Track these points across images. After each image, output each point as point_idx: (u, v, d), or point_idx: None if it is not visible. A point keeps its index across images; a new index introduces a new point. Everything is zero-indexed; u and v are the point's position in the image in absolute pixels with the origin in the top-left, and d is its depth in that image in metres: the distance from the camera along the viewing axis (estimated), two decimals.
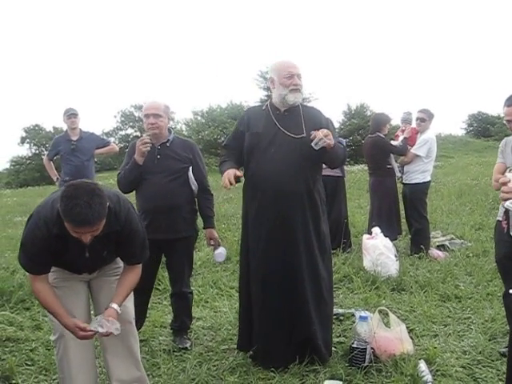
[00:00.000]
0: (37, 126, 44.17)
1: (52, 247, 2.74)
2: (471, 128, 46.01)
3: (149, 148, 3.99)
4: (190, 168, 4.18)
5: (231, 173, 3.66)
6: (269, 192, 3.70)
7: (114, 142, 9.32)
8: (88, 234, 2.60)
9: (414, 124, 7.36)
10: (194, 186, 4.22)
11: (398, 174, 7.20)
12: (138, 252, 3.04)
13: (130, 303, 3.17)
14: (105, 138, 8.95)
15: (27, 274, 2.97)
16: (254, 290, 3.83)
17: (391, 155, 7.19)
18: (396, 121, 12.49)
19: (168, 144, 4.17)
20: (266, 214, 3.74)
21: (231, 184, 3.64)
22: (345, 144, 4.12)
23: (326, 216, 3.99)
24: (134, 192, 4.26)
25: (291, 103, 3.79)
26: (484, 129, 42.68)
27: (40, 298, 2.89)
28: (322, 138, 3.51)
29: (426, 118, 7.05)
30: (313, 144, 3.55)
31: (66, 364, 3.02)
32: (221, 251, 4.44)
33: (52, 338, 3.12)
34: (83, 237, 2.60)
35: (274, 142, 3.72)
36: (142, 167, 4.05)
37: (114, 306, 2.90)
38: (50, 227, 2.69)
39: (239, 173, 3.70)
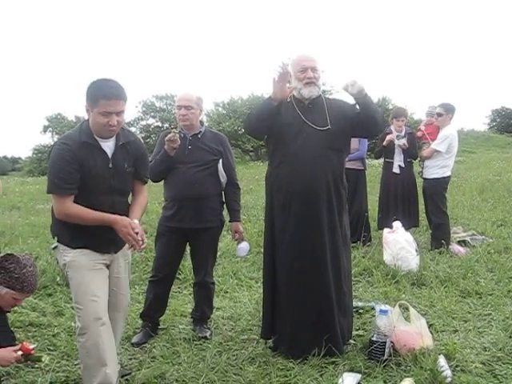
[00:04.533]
0: (59, 114, 44.45)
1: (79, 159, 3.02)
2: (494, 123, 45.49)
3: (178, 145, 4.02)
4: (221, 160, 4.21)
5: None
6: (297, 183, 3.72)
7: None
8: (115, 116, 2.99)
9: None
10: (223, 178, 4.25)
11: (396, 170, 7.27)
12: (148, 169, 3.47)
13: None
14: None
15: (55, 203, 3.10)
16: (280, 279, 3.85)
17: (395, 149, 7.26)
18: (418, 115, 12.42)
19: (199, 136, 4.21)
20: (294, 204, 3.76)
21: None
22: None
23: (347, 209, 4.01)
24: (163, 181, 4.30)
25: (306, 97, 3.81)
26: (507, 124, 42.19)
27: (73, 217, 3.06)
28: (352, 82, 3.62)
29: (442, 112, 6.98)
30: (349, 90, 3.65)
31: (98, 349, 3.06)
32: (243, 246, 4.47)
33: (78, 324, 3.11)
34: (110, 119, 2.98)
35: (301, 133, 3.74)
36: (173, 157, 4.09)
37: (135, 220, 3.15)
38: (79, 137, 3.07)
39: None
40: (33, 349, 3.02)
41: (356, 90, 3.64)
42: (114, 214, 3.09)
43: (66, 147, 3.03)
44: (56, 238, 3.29)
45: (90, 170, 3.07)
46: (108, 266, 3.29)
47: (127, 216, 3.18)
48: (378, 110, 3.89)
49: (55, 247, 3.30)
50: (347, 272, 3.96)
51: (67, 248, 3.18)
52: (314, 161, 3.70)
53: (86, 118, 3.17)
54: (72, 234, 3.15)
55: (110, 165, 3.14)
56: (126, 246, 3.27)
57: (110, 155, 3.14)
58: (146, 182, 3.47)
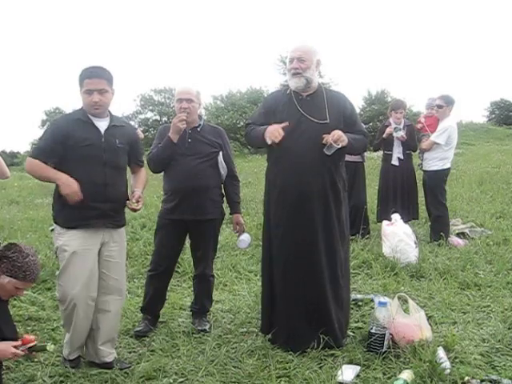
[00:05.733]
0: (57, 109, 44.38)
1: (63, 132, 3.43)
2: (493, 115, 45.41)
3: (185, 125, 4.04)
4: (221, 153, 4.22)
5: (277, 126, 3.63)
6: (291, 177, 3.71)
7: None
8: (96, 94, 3.39)
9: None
10: (224, 170, 4.26)
11: (395, 162, 7.25)
12: (143, 154, 3.88)
13: (125, 273, 3.79)
14: (131, 124, 8.95)
15: (30, 162, 3.49)
16: (276, 274, 3.86)
17: (394, 141, 7.25)
18: (418, 107, 12.42)
19: (199, 129, 4.22)
20: (287, 199, 3.75)
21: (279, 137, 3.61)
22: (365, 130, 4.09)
23: (347, 202, 3.99)
24: (163, 175, 4.31)
25: (293, 88, 3.80)
26: (506, 116, 42.12)
27: (34, 170, 3.47)
28: (330, 143, 3.57)
29: (443, 104, 6.98)
30: (324, 150, 3.61)
31: (70, 323, 3.52)
32: (244, 238, 4.47)
33: (57, 297, 3.64)
34: (93, 97, 3.38)
35: (298, 127, 3.71)
36: (175, 146, 4.09)
37: (138, 190, 3.66)
38: (72, 116, 3.55)
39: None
40: (35, 339, 3.04)
41: (331, 152, 3.63)
42: (106, 185, 3.46)
43: (54, 122, 3.65)
44: (53, 219, 3.60)
45: (81, 142, 3.42)
46: (99, 251, 3.55)
47: (124, 194, 3.62)
48: (362, 145, 3.96)
49: (53, 229, 3.60)
50: (344, 266, 3.93)
51: (61, 231, 3.49)
52: (310, 156, 3.67)
53: None
54: (65, 212, 3.47)
55: (103, 139, 3.49)
56: (121, 231, 3.67)
57: (102, 132, 3.50)
58: (142, 165, 3.88)
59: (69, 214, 3.45)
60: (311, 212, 3.73)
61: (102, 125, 3.51)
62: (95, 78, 3.40)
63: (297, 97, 3.82)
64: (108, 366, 3.59)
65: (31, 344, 2.99)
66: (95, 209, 3.44)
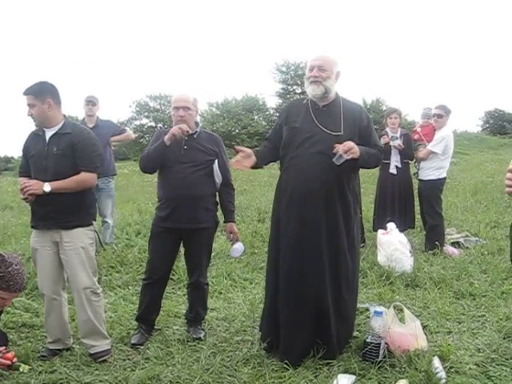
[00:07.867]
0: None
1: (25, 147, 3.90)
2: (487, 125, 45.60)
3: (180, 136, 4.03)
4: (216, 161, 4.21)
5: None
6: (298, 188, 3.69)
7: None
8: (28, 108, 3.72)
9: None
10: (219, 179, 4.26)
11: (393, 171, 7.24)
12: (91, 159, 3.81)
13: (84, 272, 3.83)
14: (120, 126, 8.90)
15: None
16: (281, 285, 3.79)
17: (391, 150, 7.23)
18: (412, 116, 12.45)
19: (195, 136, 4.21)
20: (295, 207, 3.71)
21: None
22: (381, 144, 4.06)
23: (359, 216, 3.95)
24: (157, 181, 4.30)
25: (310, 96, 3.80)
26: (500, 126, 42.31)
27: None
28: (340, 154, 3.51)
29: (443, 113, 7.01)
30: (334, 160, 3.54)
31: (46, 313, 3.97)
32: (238, 247, 4.46)
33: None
34: (28, 111, 3.73)
35: (310, 137, 3.70)
36: (169, 157, 4.09)
37: (46, 183, 3.63)
38: (34, 131, 3.92)
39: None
40: (14, 356, 3.03)
41: (339, 163, 3.55)
42: (48, 195, 3.65)
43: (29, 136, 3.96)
44: None
45: (30, 153, 3.85)
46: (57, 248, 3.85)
47: (67, 198, 3.71)
48: (375, 159, 3.87)
49: None
50: (350, 280, 3.85)
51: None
52: (319, 166, 3.64)
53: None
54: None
55: (46, 148, 3.77)
56: (73, 232, 3.80)
57: (47, 140, 3.78)
58: (87, 171, 3.80)
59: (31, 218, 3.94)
60: (317, 222, 3.68)
61: (50, 134, 3.81)
62: (25, 95, 3.73)
63: (313, 107, 3.81)
64: (92, 357, 3.86)
65: (8, 361, 3.01)
66: (37, 212, 3.83)
